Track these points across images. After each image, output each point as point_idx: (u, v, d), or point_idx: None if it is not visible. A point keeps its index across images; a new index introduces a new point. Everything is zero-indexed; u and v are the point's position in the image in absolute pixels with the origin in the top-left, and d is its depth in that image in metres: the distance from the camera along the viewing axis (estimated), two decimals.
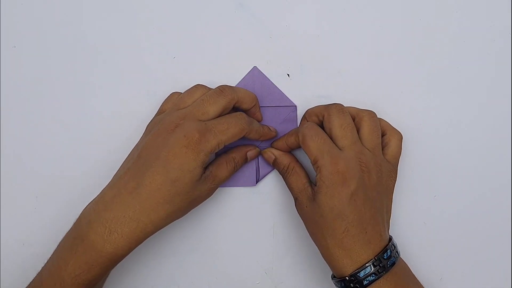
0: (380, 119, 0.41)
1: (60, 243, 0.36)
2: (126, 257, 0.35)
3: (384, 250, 0.36)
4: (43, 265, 0.36)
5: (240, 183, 0.42)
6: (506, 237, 0.43)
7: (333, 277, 0.38)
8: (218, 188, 0.39)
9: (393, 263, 0.36)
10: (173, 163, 0.34)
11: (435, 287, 0.43)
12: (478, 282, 0.43)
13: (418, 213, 0.43)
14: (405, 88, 0.43)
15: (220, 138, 0.36)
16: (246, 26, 0.43)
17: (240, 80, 0.43)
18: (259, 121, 0.42)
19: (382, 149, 0.39)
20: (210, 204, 0.42)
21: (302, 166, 0.40)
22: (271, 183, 0.43)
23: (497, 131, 0.43)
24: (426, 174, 0.43)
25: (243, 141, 0.41)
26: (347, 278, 0.35)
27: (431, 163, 0.43)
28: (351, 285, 0.35)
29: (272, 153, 0.41)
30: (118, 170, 0.37)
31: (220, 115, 0.37)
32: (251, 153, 0.41)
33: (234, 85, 0.42)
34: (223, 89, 0.38)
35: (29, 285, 0.35)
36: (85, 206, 0.36)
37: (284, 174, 0.40)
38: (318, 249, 0.38)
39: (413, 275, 0.38)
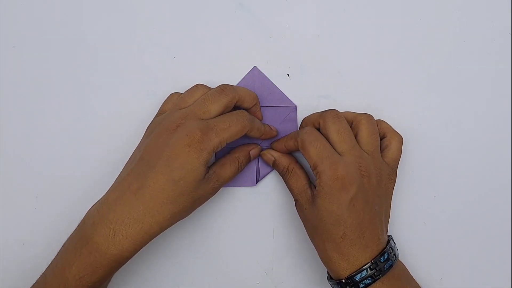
0: (381, 121, 0.41)
1: (64, 244, 0.36)
2: None
3: (382, 253, 0.36)
4: (43, 265, 0.36)
5: (240, 183, 0.42)
6: (506, 237, 0.43)
7: (330, 278, 0.38)
8: None
9: (390, 266, 0.36)
10: (176, 163, 0.34)
11: None
12: (478, 282, 0.43)
13: (418, 213, 0.43)
14: (405, 88, 0.43)
15: (222, 136, 0.36)
16: (246, 26, 0.43)
17: (240, 80, 0.43)
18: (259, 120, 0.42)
19: (382, 152, 0.39)
20: (210, 204, 0.42)
21: (302, 167, 0.40)
22: (271, 183, 0.43)
23: (497, 131, 0.43)
24: (426, 174, 0.43)
25: (244, 140, 0.41)
26: (343, 280, 0.35)
27: (431, 163, 0.43)
28: (347, 287, 0.35)
29: (272, 154, 0.41)
30: (121, 172, 0.37)
31: (222, 113, 0.37)
32: (254, 151, 0.41)
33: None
34: (224, 88, 0.38)
35: (32, 286, 0.35)
36: (89, 208, 0.36)
37: (284, 176, 0.40)
38: (316, 250, 0.38)
39: (411, 277, 0.38)
